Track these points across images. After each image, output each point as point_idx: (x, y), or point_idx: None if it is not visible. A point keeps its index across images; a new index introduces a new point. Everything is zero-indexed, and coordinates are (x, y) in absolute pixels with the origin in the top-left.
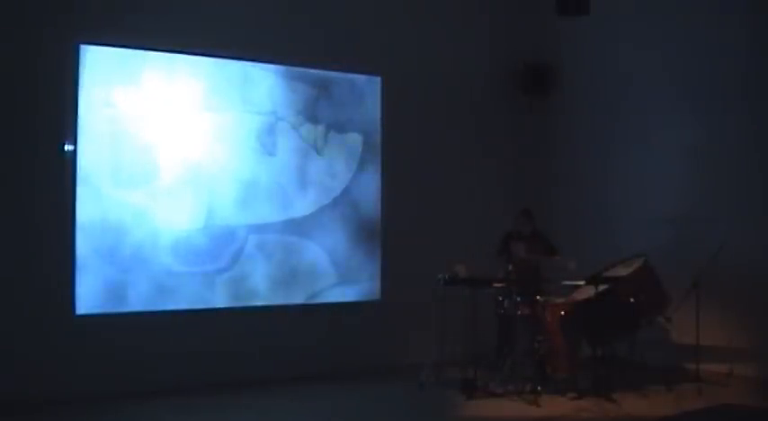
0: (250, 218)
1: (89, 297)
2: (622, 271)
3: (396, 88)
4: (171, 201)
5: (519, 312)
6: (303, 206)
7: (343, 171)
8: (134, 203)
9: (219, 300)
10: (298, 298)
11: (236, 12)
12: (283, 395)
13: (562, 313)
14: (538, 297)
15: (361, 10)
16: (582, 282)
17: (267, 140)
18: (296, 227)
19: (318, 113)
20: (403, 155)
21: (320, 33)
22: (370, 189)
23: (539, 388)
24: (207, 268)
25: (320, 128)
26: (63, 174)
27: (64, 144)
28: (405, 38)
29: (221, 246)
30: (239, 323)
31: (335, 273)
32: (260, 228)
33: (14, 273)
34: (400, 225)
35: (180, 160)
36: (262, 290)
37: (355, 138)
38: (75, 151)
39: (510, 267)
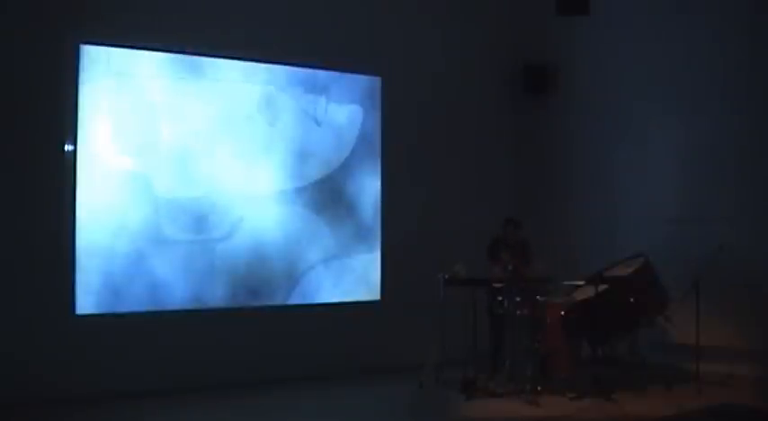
0: (250, 187)
1: (89, 283)
2: (622, 271)
3: (396, 88)
4: (171, 171)
5: (519, 312)
6: (302, 176)
7: (344, 142)
8: (134, 175)
9: (218, 270)
10: (296, 270)
11: (236, 12)
12: (283, 395)
13: (562, 313)
14: (538, 297)
15: (362, 10)
16: (582, 282)
17: (267, 111)
18: (295, 197)
19: (319, 85)
20: (403, 155)
21: (320, 33)
22: (370, 189)
23: (539, 388)
24: (206, 237)
25: (321, 99)
26: (63, 174)
27: (64, 144)
28: (405, 38)
29: (220, 216)
30: (239, 323)
31: (335, 245)
32: (260, 198)
33: (14, 273)
34: (400, 225)
35: (181, 131)
36: (260, 261)
37: (355, 110)
38: (75, 151)
39: (510, 267)
